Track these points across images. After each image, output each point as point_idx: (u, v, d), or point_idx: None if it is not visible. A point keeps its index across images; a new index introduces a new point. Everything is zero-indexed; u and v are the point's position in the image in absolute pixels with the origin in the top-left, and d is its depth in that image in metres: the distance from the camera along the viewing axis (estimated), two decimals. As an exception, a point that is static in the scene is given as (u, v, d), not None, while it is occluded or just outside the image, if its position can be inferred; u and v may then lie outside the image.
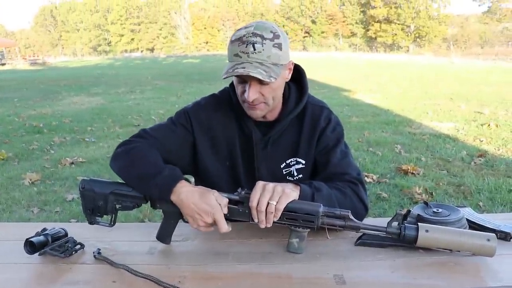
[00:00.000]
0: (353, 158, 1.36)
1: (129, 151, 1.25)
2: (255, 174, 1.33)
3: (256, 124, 1.31)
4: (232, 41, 1.17)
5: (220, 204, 1.08)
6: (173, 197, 1.12)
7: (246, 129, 1.32)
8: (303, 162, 1.33)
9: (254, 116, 1.25)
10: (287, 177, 1.34)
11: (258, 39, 1.13)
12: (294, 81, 1.34)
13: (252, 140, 1.31)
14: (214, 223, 1.09)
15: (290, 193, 1.07)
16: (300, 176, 1.34)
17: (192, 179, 1.32)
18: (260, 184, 1.08)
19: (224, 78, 1.17)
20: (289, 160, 1.33)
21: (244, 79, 1.17)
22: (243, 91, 1.19)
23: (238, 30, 1.19)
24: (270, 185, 1.06)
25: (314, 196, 1.13)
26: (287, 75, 1.26)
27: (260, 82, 1.16)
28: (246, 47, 1.13)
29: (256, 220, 1.07)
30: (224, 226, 1.08)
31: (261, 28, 1.15)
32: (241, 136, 1.33)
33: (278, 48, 1.16)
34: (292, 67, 1.27)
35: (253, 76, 1.13)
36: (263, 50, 1.13)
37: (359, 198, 1.24)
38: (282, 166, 1.34)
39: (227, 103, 1.35)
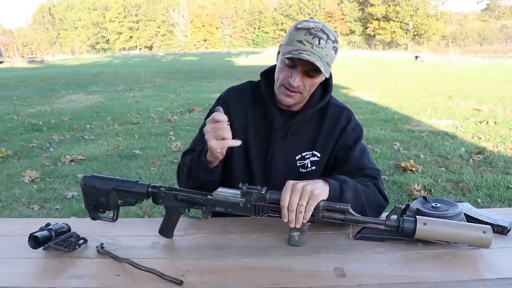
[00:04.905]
0: (370, 155, 1.42)
1: (180, 169, 1.41)
2: (269, 161, 1.38)
3: (280, 111, 1.37)
4: (298, 28, 1.23)
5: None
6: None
7: (270, 115, 1.37)
8: (319, 155, 1.38)
9: (285, 102, 1.31)
10: (300, 169, 1.38)
11: (324, 36, 1.21)
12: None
13: (274, 127, 1.36)
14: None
15: (319, 194, 1.07)
16: (313, 168, 1.38)
17: None
18: (290, 184, 1.09)
19: (286, 57, 1.22)
20: (305, 153, 1.38)
21: (295, 65, 1.23)
22: (289, 76, 1.24)
23: (305, 21, 1.25)
24: (299, 185, 1.07)
25: (342, 187, 1.17)
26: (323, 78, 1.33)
27: (308, 73, 1.24)
28: (312, 38, 1.20)
29: (285, 220, 1.08)
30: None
31: (328, 29, 1.24)
32: (263, 122, 1.39)
33: (335, 52, 1.26)
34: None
35: (302, 66, 1.21)
36: (325, 47, 1.21)
37: (379, 191, 1.30)
38: (297, 158, 1.38)
39: (255, 91, 1.43)
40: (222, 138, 1.12)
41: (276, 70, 1.31)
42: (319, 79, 1.28)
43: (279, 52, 1.32)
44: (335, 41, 1.24)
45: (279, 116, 1.36)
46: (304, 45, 1.19)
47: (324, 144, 1.38)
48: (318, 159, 1.38)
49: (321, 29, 1.22)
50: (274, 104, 1.37)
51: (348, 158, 1.35)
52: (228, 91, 1.48)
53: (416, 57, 18.57)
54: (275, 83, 1.32)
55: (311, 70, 1.22)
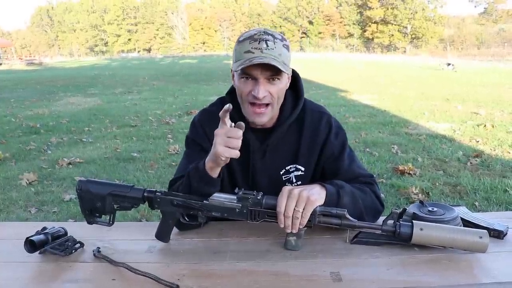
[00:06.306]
0: (358, 159, 1.38)
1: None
2: (254, 182, 1.33)
3: (253, 131, 1.30)
4: (240, 41, 1.19)
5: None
6: (208, 165, 1.11)
7: (244, 138, 1.26)
8: (303, 169, 1.33)
9: (259, 122, 1.24)
10: (286, 183, 1.34)
11: (270, 37, 1.17)
12: (289, 87, 1.33)
13: (249, 149, 1.30)
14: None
15: (315, 200, 1.07)
16: (299, 183, 1.34)
17: None
18: (286, 189, 1.08)
19: (239, 70, 1.16)
20: (289, 167, 1.33)
21: (254, 77, 1.17)
22: (251, 90, 1.18)
23: (246, 32, 1.21)
24: (296, 191, 1.07)
25: (339, 193, 1.15)
26: (288, 81, 1.27)
27: (269, 80, 1.18)
28: (258, 43, 1.15)
29: (282, 225, 1.08)
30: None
31: (271, 30, 1.20)
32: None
33: (287, 49, 1.20)
34: (291, 75, 1.28)
35: (262, 74, 1.16)
36: (275, 47, 1.16)
37: (376, 196, 1.27)
38: (281, 173, 1.34)
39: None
40: (233, 147, 1.05)
41: (237, 92, 1.24)
42: (283, 83, 1.22)
43: (234, 75, 1.25)
44: (283, 39, 1.20)
45: (253, 137, 1.30)
46: (253, 53, 1.14)
47: (308, 156, 1.32)
48: (302, 173, 1.33)
49: (264, 31, 1.18)
50: (246, 123, 1.27)
51: (339, 170, 1.30)
52: (201, 113, 1.39)
53: (448, 64, 17.45)
54: (241, 105, 1.26)
55: (271, 76, 1.17)
